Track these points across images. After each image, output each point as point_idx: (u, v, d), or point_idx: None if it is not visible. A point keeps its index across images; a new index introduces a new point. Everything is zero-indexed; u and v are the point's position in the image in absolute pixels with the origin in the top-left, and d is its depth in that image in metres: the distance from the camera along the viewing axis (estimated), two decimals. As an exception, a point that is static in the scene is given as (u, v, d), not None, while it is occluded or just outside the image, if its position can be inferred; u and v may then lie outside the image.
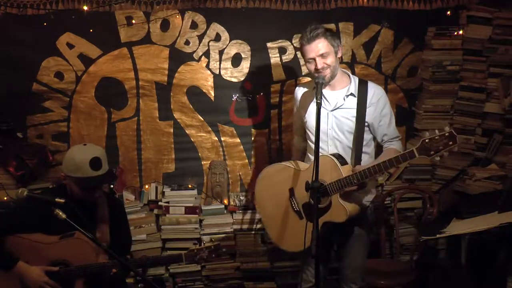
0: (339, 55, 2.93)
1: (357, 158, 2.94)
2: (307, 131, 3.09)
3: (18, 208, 2.87)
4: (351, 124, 2.94)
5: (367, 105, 2.92)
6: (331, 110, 2.96)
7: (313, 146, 2.97)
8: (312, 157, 3.03)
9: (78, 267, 2.69)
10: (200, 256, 2.80)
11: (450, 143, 2.50)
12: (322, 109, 2.88)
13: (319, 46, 2.83)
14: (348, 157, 2.93)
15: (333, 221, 2.85)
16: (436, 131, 2.54)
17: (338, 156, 2.87)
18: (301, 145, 3.25)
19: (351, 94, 2.94)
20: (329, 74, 2.87)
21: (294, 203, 2.97)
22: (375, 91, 2.96)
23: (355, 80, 2.99)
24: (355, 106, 2.92)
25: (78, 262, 2.70)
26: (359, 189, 2.83)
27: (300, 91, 3.14)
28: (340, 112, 2.95)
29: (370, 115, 2.93)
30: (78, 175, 2.73)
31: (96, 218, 2.85)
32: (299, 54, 3.88)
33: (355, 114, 2.92)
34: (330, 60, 2.85)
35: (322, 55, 2.84)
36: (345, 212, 2.81)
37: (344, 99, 2.93)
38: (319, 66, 2.83)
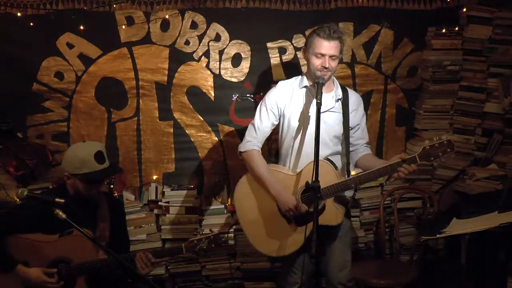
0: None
1: (347, 162, 3.02)
2: (287, 132, 3.07)
3: (18, 208, 2.87)
4: (337, 129, 3.00)
5: (350, 110, 3.02)
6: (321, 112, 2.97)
7: (296, 147, 2.99)
8: (294, 161, 3.03)
9: (78, 264, 2.70)
10: (200, 246, 2.81)
11: (448, 150, 2.80)
12: (310, 111, 2.95)
13: (335, 48, 2.90)
14: (335, 161, 2.97)
15: (328, 224, 2.87)
16: (434, 138, 2.81)
17: (330, 161, 2.92)
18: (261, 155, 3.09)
19: (339, 98, 3.01)
20: (327, 76, 2.93)
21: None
22: (355, 97, 3.09)
23: (338, 85, 3.08)
24: (341, 111, 3.01)
25: (79, 258, 2.71)
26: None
27: (283, 89, 3.09)
28: (328, 116, 2.99)
29: (351, 121, 3.01)
30: (84, 171, 2.74)
31: (96, 217, 2.86)
32: (299, 54, 3.88)
33: (341, 119, 3.00)
34: (334, 64, 2.94)
35: (332, 57, 2.91)
36: (340, 215, 2.87)
37: (335, 102, 2.99)
38: (327, 65, 2.90)
